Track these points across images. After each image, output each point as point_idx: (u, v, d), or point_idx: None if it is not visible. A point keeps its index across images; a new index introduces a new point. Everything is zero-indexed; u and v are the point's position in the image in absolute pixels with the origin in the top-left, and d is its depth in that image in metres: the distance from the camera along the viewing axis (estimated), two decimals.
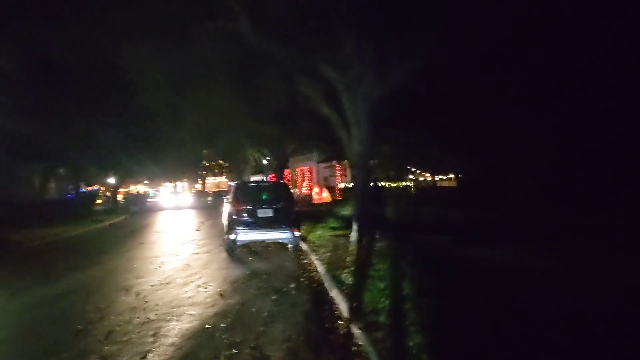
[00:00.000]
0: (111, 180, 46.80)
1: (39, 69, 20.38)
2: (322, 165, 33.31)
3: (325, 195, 27.08)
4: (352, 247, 7.85)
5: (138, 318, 4.52)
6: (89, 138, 25.85)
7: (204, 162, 50.51)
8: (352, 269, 6.13)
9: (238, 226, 8.22)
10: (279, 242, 8.95)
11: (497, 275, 5.57)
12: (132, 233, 13.72)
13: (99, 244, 11.53)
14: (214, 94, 15.46)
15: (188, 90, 15.44)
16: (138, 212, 24.04)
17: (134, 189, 53.37)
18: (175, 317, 4.51)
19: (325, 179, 33.38)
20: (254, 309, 4.76)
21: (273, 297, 5.23)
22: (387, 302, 4.41)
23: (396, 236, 8.35)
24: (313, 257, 7.63)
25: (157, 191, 36.71)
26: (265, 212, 8.39)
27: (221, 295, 5.41)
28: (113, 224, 17.65)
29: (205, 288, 5.81)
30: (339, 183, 30.71)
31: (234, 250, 8.74)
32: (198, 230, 13.78)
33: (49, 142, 24.41)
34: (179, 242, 10.90)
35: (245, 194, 8.76)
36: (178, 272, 6.91)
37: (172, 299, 5.26)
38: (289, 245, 8.97)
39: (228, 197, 9.48)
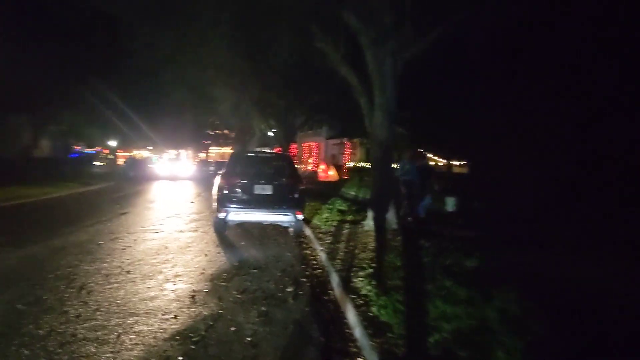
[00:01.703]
0: (112, 143, 45.63)
1: (29, 11, 18.73)
2: (331, 142, 31.66)
3: (332, 174, 25.60)
4: (367, 239, 6.38)
5: (59, 335, 3.12)
6: (83, 93, 24.39)
7: (209, 131, 49.00)
8: (370, 272, 4.67)
9: (230, 203, 6.78)
10: (278, 225, 7.54)
11: (575, 294, 4.09)
12: (120, 200, 12.36)
13: (74, 211, 10.17)
14: (218, 52, 13.81)
15: (191, 46, 13.82)
16: (134, 177, 22.50)
17: (137, 153, 52.15)
18: (111, 339, 3.08)
19: (333, 156, 31.77)
20: (232, 328, 3.35)
21: (262, 308, 3.81)
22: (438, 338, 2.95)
23: (418, 229, 6.88)
24: (318, 248, 6.19)
25: (160, 157, 35.33)
26: (264, 189, 6.91)
27: (192, 298, 4.00)
28: (102, 188, 16.31)
29: (174, 284, 4.40)
30: (347, 162, 29.15)
31: (224, 231, 7.37)
32: (192, 202, 12.41)
33: (37, 93, 22.97)
34: (166, 215, 9.52)
35: (240, 166, 7.27)
36: (149, 256, 5.52)
37: (123, 300, 3.84)
38: (290, 229, 7.57)
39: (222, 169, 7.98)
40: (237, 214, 6.78)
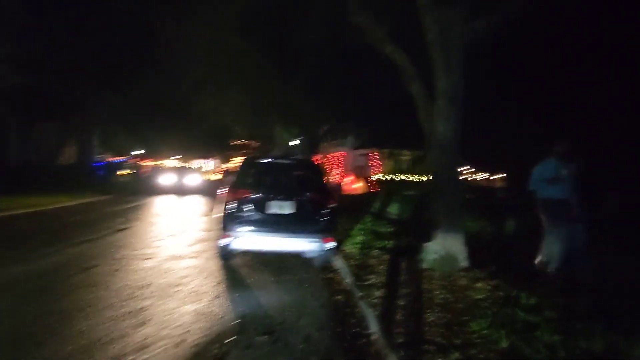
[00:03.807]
0: (139, 151, 45.61)
1: (61, 17, 18.27)
2: (357, 152, 29.83)
3: (359, 186, 23.68)
4: (431, 284, 4.44)
5: None
6: (110, 100, 23.79)
7: (233, 140, 48.20)
8: None
9: (236, 225, 5.07)
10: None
11: None
12: (127, 212, 10.98)
13: (72, 224, 8.79)
14: (242, 56, 12.49)
15: (215, 53, 12.61)
16: (156, 188, 20.71)
17: (162, 163, 51.93)
18: None
19: (360, 168, 29.87)
20: None
21: None
22: None
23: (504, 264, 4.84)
24: (357, 294, 4.33)
25: (185, 167, 34.25)
26: (282, 207, 5.16)
27: None
28: (114, 198, 15.08)
29: None
30: (374, 174, 27.19)
31: (230, 260, 5.66)
32: (205, 217, 10.85)
33: (65, 100, 22.48)
34: (169, 232, 7.99)
35: (252, 177, 5.59)
36: (115, 303, 3.83)
37: None
38: (315, 261, 5.77)
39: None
40: (246, 240, 5.06)
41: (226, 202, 5.24)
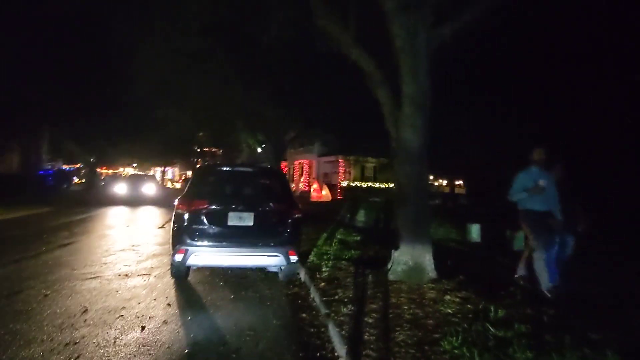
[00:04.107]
0: (92, 159, 42.94)
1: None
2: (324, 159, 29.78)
3: (325, 194, 23.54)
4: (400, 299, 4.21)
5: None
6: (57, 99, 22.10)
7: (195, 147, 46.59)
8: None
9: (190, 239, 4.61)
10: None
11: None
12: (76, 224, 10.03)
13: (8, 239, 7.84)
14: (202, 59, 11.93)
15: (172, 54, 11.94)
16: (112, 197, 19.16)
17: (122, 170, 49.12)
18: None
19: (326, 175, 29.79)
20: None
21: None
22: None
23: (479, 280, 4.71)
24: (322, 310, 4.02)
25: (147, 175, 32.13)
26: (242, 218, 4.77)
27: None
28: (62, 210, 13.86)
29: None
30: (342, 181, 27.17)
31: (185, 277, 5.18)
32: (161, 228, 10.15)
33: (2, 103, 20.63)
34: (121, 247, 7.34)
35: (207, 186, 5.15)
36: (45, 335, 3.28)
37: None
38: (280, 275, 5.43)
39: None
40: (201, 256, 4.61)
41: (178, 214, 4.78)
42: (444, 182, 30.94)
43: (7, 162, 25.90)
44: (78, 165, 42.74)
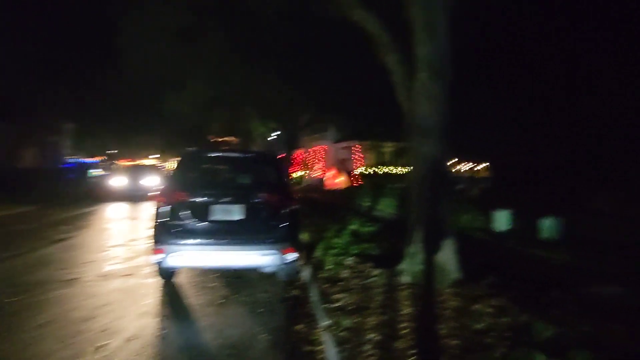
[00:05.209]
0: (113, 151, 43.43)
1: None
2: (339, 145, 28.85)
3: (341, 180, 22.73)
4: (412, 308, 3.47)
5: None
6: (70, 96, 22.06)
7: (212, 136, 46.45)
8: None
9: (169, 237, 3.98)
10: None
11: None
12: (76, 219, 9.69)
13: (5, 235, 7.51)
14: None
15: (182, 44, 11.37)
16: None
17: (141, 162, 49.51)
18: None
19: (342, 161, 28.89)
20: None
21: None
22: None
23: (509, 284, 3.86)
24: (324, 328, 3.31)
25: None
26: (229, 212, 4.09)
27: None
28: (69, 203, 13.64)
29: None
30: (357, 167, 26.26)
31: (170, 277, 4.59)
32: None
33: (21, 98, 20.71)
34: (114, 242, 6.85)
35: (192, 175, 4.49)
36: None
37: None
38: (279, 274, 4.75)
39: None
40: (183, 256, 3.98)
41: (157, 208, 4.14)
42: (467, 166, 29.53)
43: (27, 156, 26.25)
44: (101, 158, 43.29)
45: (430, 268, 3.76)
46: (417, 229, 4.10)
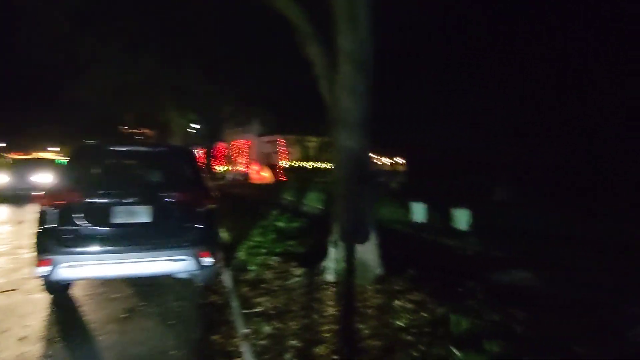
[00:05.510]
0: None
1: None
2: (263, 139, 28.37)
3: (266, 175, 22.38)
4: (335, 309, 3.40)
5: None
6: None
7: (123, 128, 42.15)
8: None
9: (59, 246, 3.37)
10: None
11: None
12: None
13: None
14: (112, 29, 9.98)
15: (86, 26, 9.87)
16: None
17: (36, 155, 43.13)
18: None
19: (267, 155, 28.46)
20: None
21: None
22: None
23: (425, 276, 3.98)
24: (242, 337, 3.06)
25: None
26: (133, 214, 3.60)
27: None
28: None
29: None
30: (282, 161, 26.08)
31: (63, 291, 3.94)
32: None
33: None
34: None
35: (88, 172, 3.89)
36: None
37: None
38: (196, 280, 4.36)
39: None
40: (77, 267, 3.39)
41: (42, 210, 3.48)
42: (388, 160, 31.17)
43: None
44: None
45: (351, 265, 3.73)
46: (340, 224, 4.05)
